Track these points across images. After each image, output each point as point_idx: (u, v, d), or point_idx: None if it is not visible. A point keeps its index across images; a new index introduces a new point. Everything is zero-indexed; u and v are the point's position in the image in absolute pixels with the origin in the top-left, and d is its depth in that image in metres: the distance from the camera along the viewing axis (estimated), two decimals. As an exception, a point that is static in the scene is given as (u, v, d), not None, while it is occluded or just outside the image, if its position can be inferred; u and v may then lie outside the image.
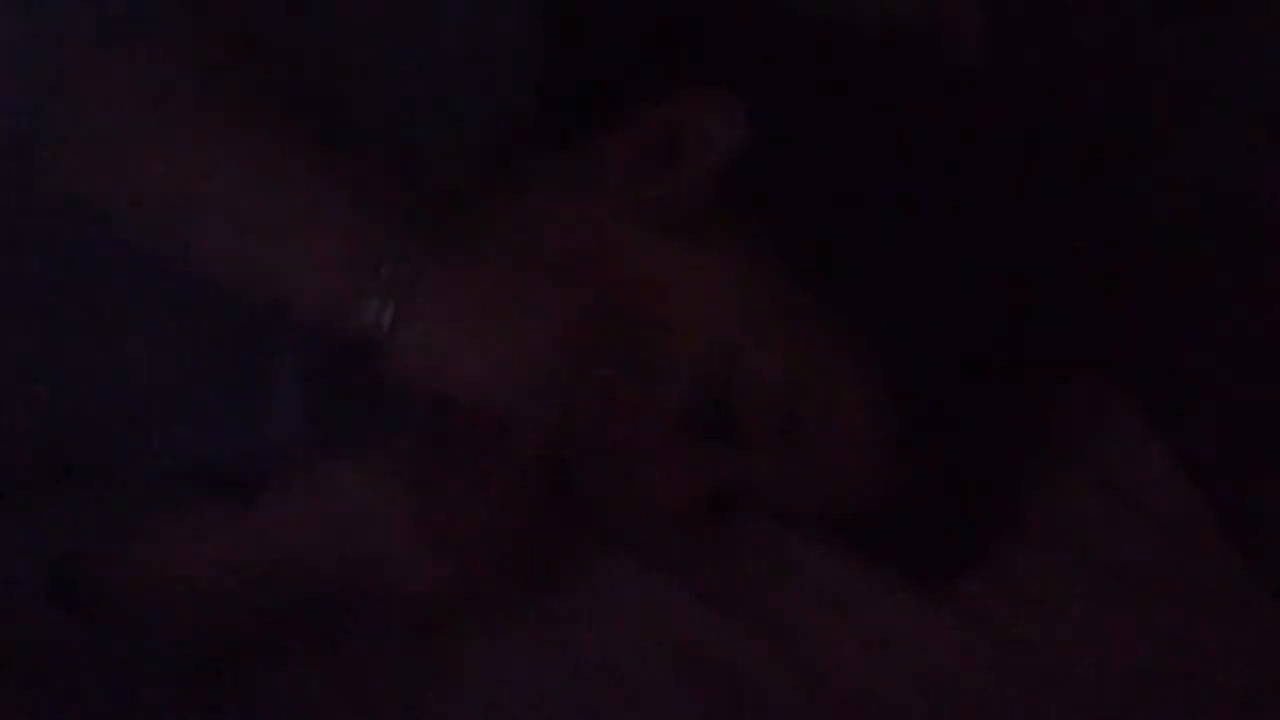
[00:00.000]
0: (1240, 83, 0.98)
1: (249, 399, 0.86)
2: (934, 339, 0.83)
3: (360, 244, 0.76)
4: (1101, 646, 0.92)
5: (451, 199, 0.82)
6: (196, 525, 0.84)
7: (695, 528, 0.88)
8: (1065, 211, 0.88)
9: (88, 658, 0.85)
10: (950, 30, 0.99)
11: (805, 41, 0.87)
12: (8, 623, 0.83)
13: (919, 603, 0.93)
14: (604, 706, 0.89)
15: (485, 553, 0.82)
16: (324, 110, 0.80)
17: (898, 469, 0.86)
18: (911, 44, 0.89)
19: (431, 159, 0.83)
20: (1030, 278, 0.86)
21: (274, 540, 0.83)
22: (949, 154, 0.85)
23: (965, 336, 0.84)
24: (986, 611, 0.93)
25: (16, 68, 0.73)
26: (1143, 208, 0.99)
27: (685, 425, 0.84)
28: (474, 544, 0.82)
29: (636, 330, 0.82)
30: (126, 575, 0.84)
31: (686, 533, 0.91)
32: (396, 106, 0.82)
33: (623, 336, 0.82)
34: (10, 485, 0.86)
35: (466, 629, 0.91)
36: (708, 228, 0.84)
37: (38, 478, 0.87)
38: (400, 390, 0.79)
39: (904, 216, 0.83)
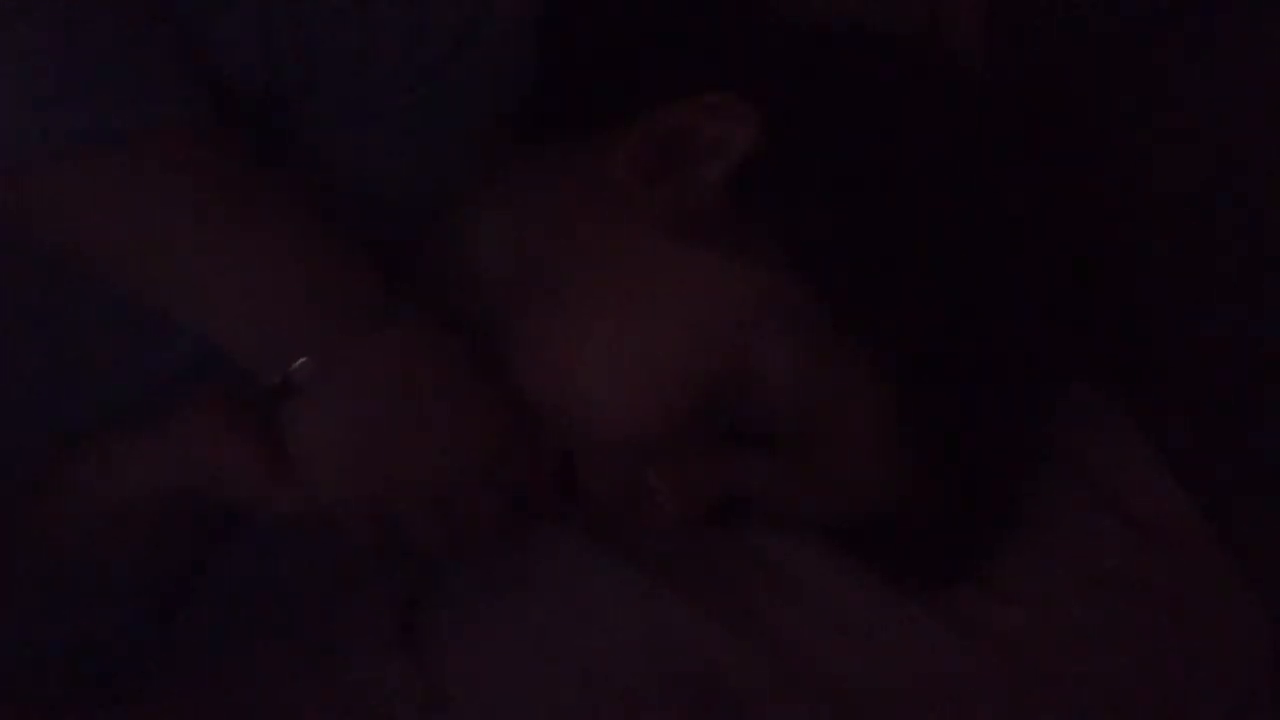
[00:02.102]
0: (1239, 82, 0.97)
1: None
2: (942, 344, 0.83)
3: (296, 311, 0.79)
4: (1091, 650, 0.92)
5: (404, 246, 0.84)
6: (109, 452, 0.84)
7: (697, 534, 0.88)
8: (1068, 213, 0.88)
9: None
10: (950, 29, 0.99)
11: (813, 45, 0.87)
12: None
13: (908, 605, 0.93)
14: (588, 710, 0.89)
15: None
16: (300, 117, 0.80)
17: (903, 476, 0.86)
18: (917, 46, 0.88)
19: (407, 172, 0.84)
20: (1037, 281, 0.86)
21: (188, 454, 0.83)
22: (956, 157, 0.85)
23: (974, 341, 0.84)
24: (977, 614, 0.93)
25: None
26: (1140, 207, 0.99)
27: (693, 432, 0.84)
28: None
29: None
30: (46, 512, 0.85)
31: (676, 535, 0.91)
32: (377, 95, 0.81)
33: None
34: None
35: (451, 630, 0.91)
36: (716, 232, 0.83)
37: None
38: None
39: (911, 222, 0.83)
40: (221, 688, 0.89)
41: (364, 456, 0.81)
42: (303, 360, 0.78)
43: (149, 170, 0.75)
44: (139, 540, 0.86)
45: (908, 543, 0.90)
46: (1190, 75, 0.98)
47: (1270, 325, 0.98)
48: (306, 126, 0.81)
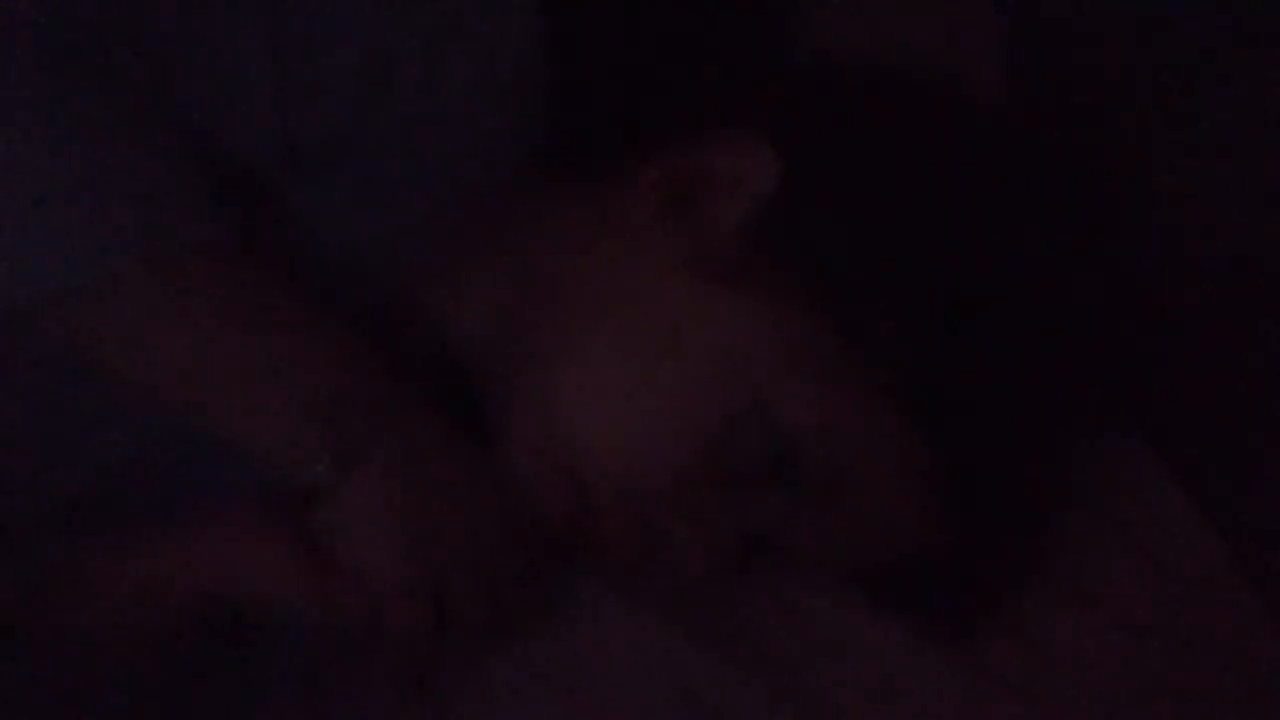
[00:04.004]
0: (1257, 121, 0.97)
1: None
2: (964, 385, 0.82)
3: (314, 418, 0.79)
4: (1113, 699, 0.91)
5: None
6: (125, 550, 0.85)
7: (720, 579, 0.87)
8: (1092, 251, 0.88)
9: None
10: (971, 68, 0.98)
11: (832, 83, 0.87)
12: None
13: (924, 650, 0.92)
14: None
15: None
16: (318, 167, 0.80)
17: (926, 516, 0.84)
18: (936, 84, 0.88)
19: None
20: (1062, 322, 0.85)
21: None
22: (975, 197, 0.84)
23: (996, 384, 0.83)
24: (993, 660, 0.92)
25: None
26: (1164, 246, 0.98)
27: (713, 475, 0.83)
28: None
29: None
30: (75, 599, 0.85)
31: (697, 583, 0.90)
32: (393, 153, 0.81)
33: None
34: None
35: (465, 679, 0.90)
36: (734, 272, 0.82)
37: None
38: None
39: (930, 262, 0.82)
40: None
41: (398, 546, 0.82)
42: (322, 467, 0.79)
43: (169, 300, 0.76)
44: (167, 625, 0.86)
45: (931, 587, 0.89)
46: (1213, 108, 0.97)
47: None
48: (316, 189, 0.81)
